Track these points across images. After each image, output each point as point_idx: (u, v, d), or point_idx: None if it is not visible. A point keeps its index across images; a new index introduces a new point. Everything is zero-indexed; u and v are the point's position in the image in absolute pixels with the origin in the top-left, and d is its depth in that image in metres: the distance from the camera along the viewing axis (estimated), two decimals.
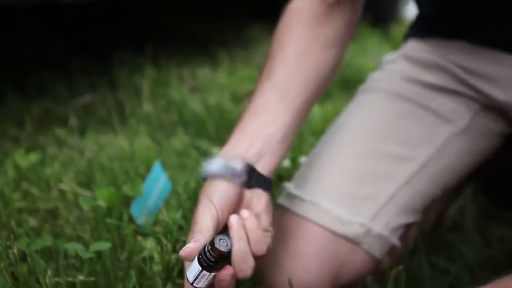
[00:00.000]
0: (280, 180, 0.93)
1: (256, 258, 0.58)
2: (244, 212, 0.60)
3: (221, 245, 0.54)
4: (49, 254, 0.74)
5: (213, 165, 0.62)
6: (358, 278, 0.74)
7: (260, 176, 0.64)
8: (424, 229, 0.80)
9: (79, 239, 0.77)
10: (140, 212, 0.85)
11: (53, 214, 0.87)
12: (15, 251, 0.70)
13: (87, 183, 0.94)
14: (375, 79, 0.83)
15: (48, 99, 1.31)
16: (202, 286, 0.55)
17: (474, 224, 0.90)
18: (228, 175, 0.61)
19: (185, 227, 0.76)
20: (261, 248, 0.59)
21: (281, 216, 0.76)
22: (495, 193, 0.98)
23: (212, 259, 0.53)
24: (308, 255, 0.71)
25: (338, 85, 1.43)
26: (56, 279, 0.68)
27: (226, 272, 0.55)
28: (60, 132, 1.17)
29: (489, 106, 0.77)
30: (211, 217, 0.58)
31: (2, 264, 0.65)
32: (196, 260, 0.54)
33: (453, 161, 0.77)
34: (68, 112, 1.26)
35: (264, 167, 0.65)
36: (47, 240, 0.76)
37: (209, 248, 0.53)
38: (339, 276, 0.72)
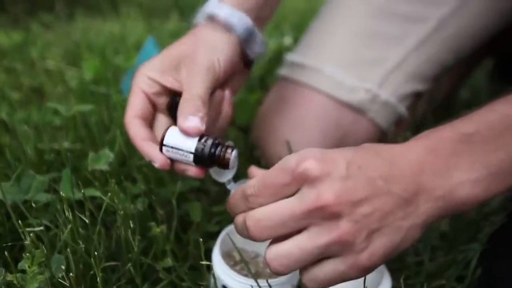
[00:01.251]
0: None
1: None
2: (227, 93, 0.52)
3: (229, 154, 0.46)
4: (33, 125, 0.70)
5: (233, 15, 0.52)
6: None
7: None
8: (434, 100, 0.74)
9: None
10: (130, 87, 0.79)
11: (37, 90, 0.81)
12: None
13: (74, 61, 0.88)
14: None
15: None
16: (167, 156, 0.47)
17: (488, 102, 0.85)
18: (250, 41, 0.53)
19: None
20: (224, 126, 0.53)
21: (282, 86, 0.70)
22: (511, 73, 0.91)
23: (212, 161, 0.46)
24: (309, 123, 0.66)
25: None
26: (40, 145, 0.64)
27: (198, 174, 0.47)
28: (46, 18, 1.09)
29: None
30: (213, 77, 0.49)
31: None
32: (194, 142, 0.45)
33: (471, 23, 0.70)
34: None
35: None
36: (30, 112, 0.71)
37: (221, 153, 0.45)
38: (341, 145, 0.67)
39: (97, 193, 0.55)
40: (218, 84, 0.52)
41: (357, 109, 0.67)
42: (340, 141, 0.68)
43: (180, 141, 0.46)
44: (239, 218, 0.42)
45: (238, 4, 0.54)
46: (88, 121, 0.66)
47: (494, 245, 0.50)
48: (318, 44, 0.69)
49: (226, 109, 0.52)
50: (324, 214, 0.38)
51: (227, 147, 0.46)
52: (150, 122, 0.51)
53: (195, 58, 0.49)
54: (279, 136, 0.66)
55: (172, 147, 0.46)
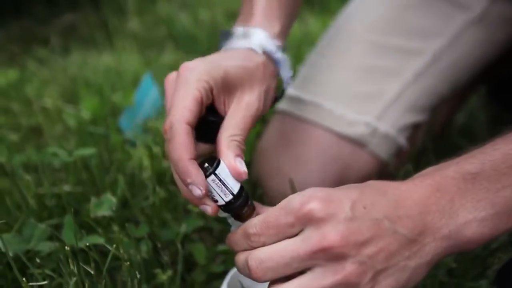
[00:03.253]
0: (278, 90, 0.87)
1: None
2: None
3: (252, 214, 0.44)
4: (33, 168, 0.69)
5: (284, 63, 0.53)
6: (364, 181, 0.69)
7: None
8: (433, 130, 0.74)
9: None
10: (129, 125, 0.79)
11: (35, 130, 0.81)
12: None
13: (71, 98, 0.88)
14: None
15: (26, 20, 1.23)
16: (210, 187, 0.43)
17: (485, 129, 0.85)
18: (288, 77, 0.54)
19: None
20: None
21: (282, 121, 0.70)
22: (507, 98, 0.92)
23: (235, 210, 0.44)
24: (310, 158, 0.67)
25: None
26: (41, 190, 0.63)
27: (214, 213, 0.43)
28: (41, 52, 1.09)
29: None
30: (255, 122, 0.47)
31: None
32: (237, 185, 0.43)
33: (466, 54, 0.71)
34: (49, 33, 1.18)
35: None
36: (30, 154, 0.70)
37: (247, 210, 0.43)
38: (343, 179, 0.68)
39: (101, 240, 0.54)
40: None
41: (357, 142, 0.67)
42: (341, 174, 0.68)
43: (229, 177, 0.43)
44: (240, 257, 0.41)
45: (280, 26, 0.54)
46: (88, 163, 0.65)
47: (502, 282, 0.50)
48: (316, 78, 0.70)
49: None
50: (329, 255, 0.38)
51: (253, 206, 0.45)
52: None
53: (251, 98, 0.47)
54: (281, 173, 0.66)
55: (220, 180, 0.43)
